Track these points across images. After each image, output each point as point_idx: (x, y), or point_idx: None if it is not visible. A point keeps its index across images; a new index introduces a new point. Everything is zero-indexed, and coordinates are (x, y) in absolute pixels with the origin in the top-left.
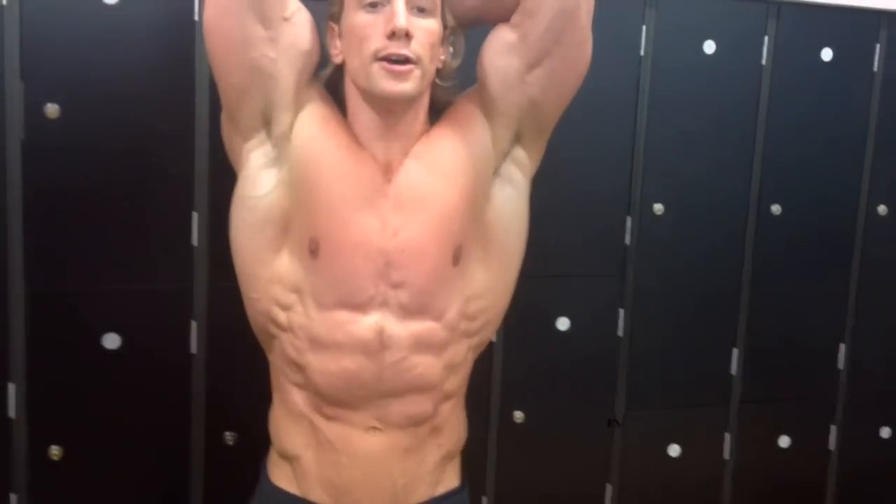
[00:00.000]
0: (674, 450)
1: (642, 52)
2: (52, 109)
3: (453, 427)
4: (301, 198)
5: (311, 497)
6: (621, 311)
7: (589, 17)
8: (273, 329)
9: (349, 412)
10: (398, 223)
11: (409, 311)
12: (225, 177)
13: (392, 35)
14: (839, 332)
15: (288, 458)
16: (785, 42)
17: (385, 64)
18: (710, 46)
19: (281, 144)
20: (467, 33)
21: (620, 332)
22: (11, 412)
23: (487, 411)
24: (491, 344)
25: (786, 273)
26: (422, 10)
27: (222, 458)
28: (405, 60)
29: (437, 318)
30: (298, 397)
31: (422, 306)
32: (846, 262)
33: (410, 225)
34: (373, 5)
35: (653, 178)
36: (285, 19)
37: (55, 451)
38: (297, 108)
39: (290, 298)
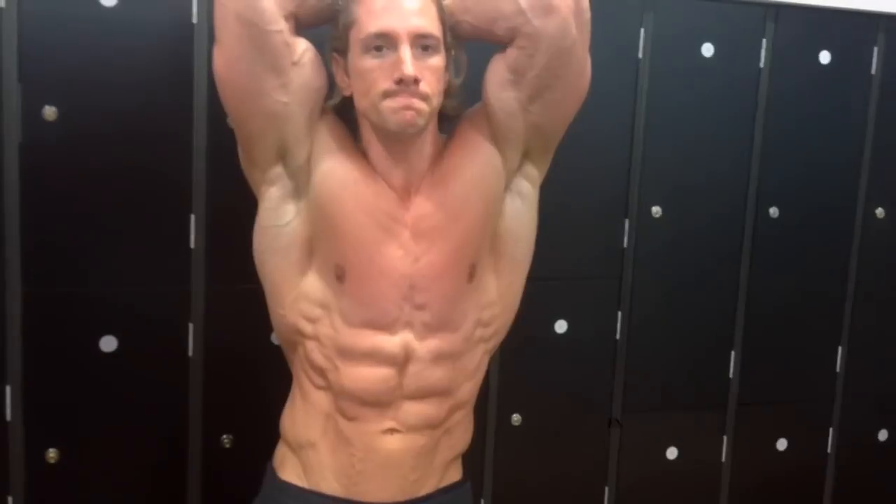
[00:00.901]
0: (671, 452)
1: (640, 56)
2: (49, 112)
3: (465, 430)
4: (324, 228)
5: (322, 488)
6: (619, 314)
7: (585, 47)
8: (298, 337)
9: (370, 414)
10: (418, 250)
11: (431, 328)
12: (223, 179)
13: (400, 82)
14: (837, 335)
15: (302, 447)
16: (783, 45)
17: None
18: (708, 49)
19: (299, 176)
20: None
21: (618, 335)
22: (8, 415)
23: (485, 414)
24: None
25: (783, 276)
26: (426, 48)
27: (219, 461)
28: None
29: (456, 330)
30: (321, 397)
31: (443, 323)
32: (844, 264)
33: (430, 250)
34: (378, 49)
35: (651, 181)
36: (294, 64)
37: (52, 453)
38: (312, 140)
39: (317, 312)
